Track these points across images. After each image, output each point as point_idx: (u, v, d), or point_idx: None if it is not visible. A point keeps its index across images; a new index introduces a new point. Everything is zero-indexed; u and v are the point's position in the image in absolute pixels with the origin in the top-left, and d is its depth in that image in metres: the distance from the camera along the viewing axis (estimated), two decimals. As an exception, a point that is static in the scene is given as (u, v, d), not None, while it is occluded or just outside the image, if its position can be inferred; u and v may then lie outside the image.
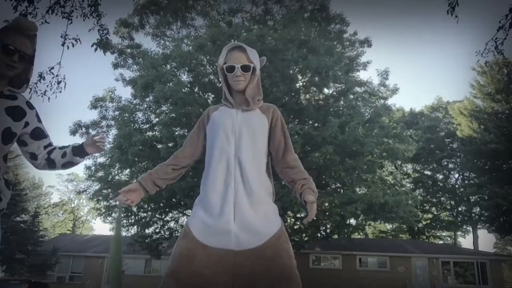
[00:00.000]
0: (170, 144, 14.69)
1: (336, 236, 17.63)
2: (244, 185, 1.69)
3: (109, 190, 16.86)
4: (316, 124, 16.36)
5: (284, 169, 1.82)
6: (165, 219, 17.93)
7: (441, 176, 31.55)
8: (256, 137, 1.79)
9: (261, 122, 1.83)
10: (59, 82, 4.97)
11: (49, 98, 4.97)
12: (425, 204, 30.32)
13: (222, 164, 1.73)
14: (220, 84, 2.17)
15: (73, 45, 4.89)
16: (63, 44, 4.90)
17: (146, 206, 16.75)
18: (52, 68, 5.02)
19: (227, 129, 1.77)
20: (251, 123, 1.80)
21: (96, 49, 5.16)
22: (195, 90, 17.17)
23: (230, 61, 1.83)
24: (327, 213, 14.61)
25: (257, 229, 1.63)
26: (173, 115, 15.55)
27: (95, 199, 17.41)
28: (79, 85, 41.75)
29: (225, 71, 1.85)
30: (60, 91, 4.95)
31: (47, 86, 5.00)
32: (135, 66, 18.82)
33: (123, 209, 15.61)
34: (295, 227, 18.08)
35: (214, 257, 1.58)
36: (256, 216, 1.66)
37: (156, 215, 17.30)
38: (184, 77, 17.48)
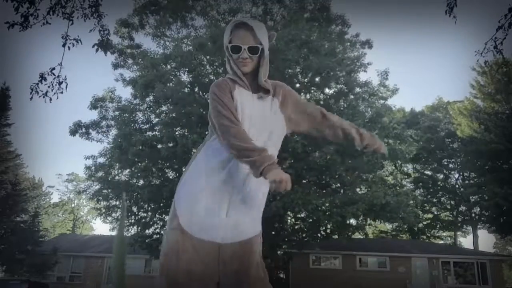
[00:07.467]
0: (170, 144, 14.69)
1: (336, 236, 17.63)
2: (244, 185, 1.55)
3: (109, 190, 16.85)
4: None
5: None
6: (165, 219, 17.91)
7: (441, 176, 31.54)
8: (269, 130, 1.62)
9: (276, 112, 1.66)
10: (60, 83, 4.97)
11: (50, 99, 4.97)
12: (425, 204, 30.31)
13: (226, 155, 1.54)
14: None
15: (73, 46, 4.90)
16: (64, 45, 4.91)
17: (146, 206, 16.75)
18: (53, 68, 5.02)
19: (244, 118, 1.56)
20: (266, 113, 1.63)
21: (97, 50, 5.16)
22: (195, 90, 17.17)
23: (235, 41, 1.60)
24: (327, 213, 14.60)
25: (246, 225, 1.56)
26: (174, 115, 15.55)
27: (95, 199, 17.39)
28: (79, 85, 41.70)
29: (230, 52, 1.61)
30: (62, 92, 4.96)
31: (48, 87, 5.00)
32: (135, 66, 18.80)
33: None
34: (296, 227, 18.06)
35: (202, 251, 1.48)
36: (247, 213, 1.58)
37: (156, 215, 17.30)
38: (184, 77, 17.48)
